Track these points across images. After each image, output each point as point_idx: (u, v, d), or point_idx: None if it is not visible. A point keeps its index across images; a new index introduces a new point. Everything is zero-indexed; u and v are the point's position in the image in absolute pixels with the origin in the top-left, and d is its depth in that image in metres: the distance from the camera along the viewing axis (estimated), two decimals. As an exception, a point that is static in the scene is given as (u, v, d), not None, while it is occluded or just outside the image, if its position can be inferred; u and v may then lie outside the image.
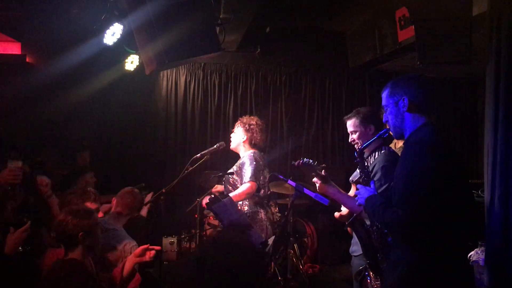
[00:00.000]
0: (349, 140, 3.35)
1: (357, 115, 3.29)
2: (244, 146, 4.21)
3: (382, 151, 3.15)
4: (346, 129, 3.37)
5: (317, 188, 3.19)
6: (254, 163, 4.09)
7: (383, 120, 2.46)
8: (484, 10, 3.14)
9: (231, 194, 4.00)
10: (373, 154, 3.23)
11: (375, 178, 2.96)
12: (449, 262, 2.12)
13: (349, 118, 3.34)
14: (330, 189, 3.15)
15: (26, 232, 2.93)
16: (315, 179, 3.20)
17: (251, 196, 4.08)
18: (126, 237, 3.54)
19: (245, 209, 4.05)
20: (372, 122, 3.26)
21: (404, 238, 2.22)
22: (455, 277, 2.14)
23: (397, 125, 2.36)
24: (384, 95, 2.42)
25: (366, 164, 2.78)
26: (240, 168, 4.11)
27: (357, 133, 3.26)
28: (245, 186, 4.04)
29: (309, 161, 3.24)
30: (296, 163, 3.30)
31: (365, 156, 3.28)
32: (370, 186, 2.52)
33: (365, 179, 2.65)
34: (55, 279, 2.56)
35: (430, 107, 2.32)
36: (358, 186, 2.54)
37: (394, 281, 2.24)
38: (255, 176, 4.04)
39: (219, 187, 4.60)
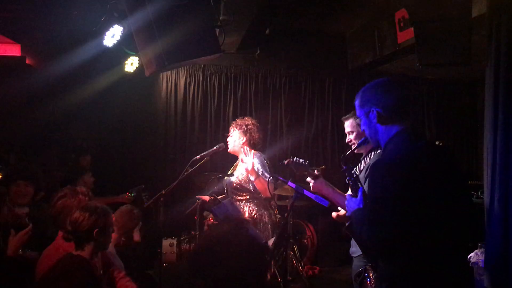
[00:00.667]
0: (346, 141, 3.37)
1: (354, 116, 3.29)
2: (244, 148, 4.19)
3: (378, 151, 3.16)
4: (345, 130, 3.39)
5: (311, 187, 3.20)
6: (266, 166, 4.09)
7: (361, 128, 2.36)
8: (483, 11, 3.15)
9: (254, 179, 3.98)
10: (369, 154, 3.24)
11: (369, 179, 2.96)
12: (431, 274, 2.06)
13: (347, 119, 3.36)
14: (323, 188, 3.15)
15: (27, 235, 2.94)
16: (308, 179, 3.21)
17: (265, 193, 4.06)
18: (115, 260, 3.44)
19: (252, 213, 4.04)
20: None
21: (379, 254, 2.20)
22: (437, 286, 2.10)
23: (371, 136, 2.28)
24: (355, 104, 2.32)
25: (353, 171, 2.75)
26: (252, 167, 4.06)
27: (354, 134, 3.29)
28: (261, 182, 4.01)
29: (299, 160, 3.25)
30: (286, 161, 3.30)
31: (362, 156, 3.30)
32: (357, 196, 2.45)
33: (354, 186, 2.61)
34: (60, 272, 2.54)
35: (402, 113, 2.17)
36: (347, 196, 2.50)
37: None
38: (267, 174, 4.05)
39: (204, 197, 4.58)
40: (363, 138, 2.57)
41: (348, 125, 3.34)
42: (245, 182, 4.09)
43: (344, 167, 2.63)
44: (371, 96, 2.23)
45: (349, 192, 3.34)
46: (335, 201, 3.18)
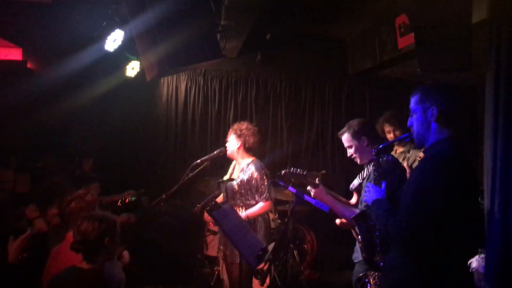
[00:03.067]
0: (348, 155, 3.38)
1: (348, 130, 3.35)
2: (239, 152, 4.19)
3: (385, 158, 3.17)
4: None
5: (312, 195, 3.22)
6: (265, 177, 4.08)
7: (408, 123, 2.44)
8: (484, 17, 3.15)
9: (247, 212, 4.01)
10: (368, 166, 3.26)
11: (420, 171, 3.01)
12: (444, 277, 2.11)
13: (342, 134, 3.39)
14: (324, 196, 3.17)
15: (26, 240, 2.92)
16: (309, 187, 3.23)
17: (268, 211, 4.09)
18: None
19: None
20: (363, 134, 3.29)
21: (402, 246, 2.23)
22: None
23: (421, 133, 2.35)
24: (413, 99, 2.39)
25: (380, 162, 2.79)
26: (249, 180, 4.08)
27: (353, 148, 3.32)
28: (261, 205, 4.03)
29: (297, 170, 3.27)
30: (283, 172, 3.33)
31: (365, 165, 3.31)
32: (381, 187, 2.52)
33: (378, 178, 2.66)
34: None
35: (457, 120, 2.31)
36: (368, 184, 2.55)
37: (389, 285, 2.25)
38: (269, 194, 4.04)
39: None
40: (405, 133, 2.61)
41: (344, 140, 3.37)
42: (244, 186, 4.09)
43: (374, 157, 2.77)
44: (435, 96, 2.31)
45: (354, 199, 3.38)
46: (335, 209, 3.20)
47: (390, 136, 4.88)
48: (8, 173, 4.40)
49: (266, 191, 4.04)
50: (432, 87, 2.35)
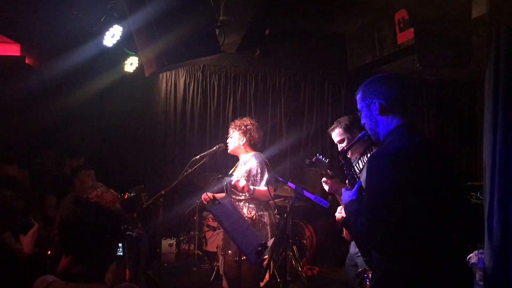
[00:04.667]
0: (339, 150, 3.39)
1: (339, 124, 3.40)
2: (244, 148, 4.19)
3: (372, 151, 3.18)
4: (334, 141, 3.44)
5: (328, 188, 3.22)
6: (266, 167, 4.08)
7: (361, 123, 2.41)
8: (484, 12, 3.15)
9: (252, 187, 3.99)
10: (363, 157, 3.26)
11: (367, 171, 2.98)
12: (418, 269, 2.06)
13: (332, 130, 3.44)
14: (340, 187, 3.16)
15: (36, 233, 2.99)
16: (324, 179, 3.24)
17: (268, 199, 4.08)
18: None
19: (252, 212, 4.03)
20: (354, 127, 3.34)
21: (369, 245, 2.22)
22: (426, 283, 2.10)
23: (372, 128, 2.31)
24: (357, 98, 2.36)
25: (351, 166, 2.77)
26: (250, 171, 4.08)
27: (345, 141, 3.35)
28: (264, 188, 4.01)
29: (323, 158, 3.27)
30: (313, 159, 3.33)
31: (353, 160, 3.31)
32: (352, 188, 2.49)
33: (351, 181, 2.64)
34: None
35: (403, 107, 2.23)
36: (342, 189, 2.52)
37: (372, 284, 2.24)
38: (271, 180, 4.05)
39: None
40: (362, 132, 2.59)
41: (335, 135, 3.41)
42: (251, 178, 4.09)
43: (342, 161, 2.68)
44: (373, 88, 2.26)
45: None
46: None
47: None
48: (11, 167, 4.37)
49: (268, 176, 4.04)
50: (370, 82, 2.30)
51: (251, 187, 3.98)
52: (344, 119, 3.42)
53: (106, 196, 3.13)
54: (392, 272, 2.09)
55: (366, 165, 2.32)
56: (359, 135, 2.71)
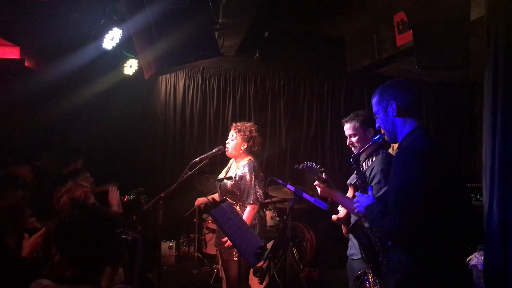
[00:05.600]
0: (347, 143, 3.33)
1: (356, 118, 3.28)
2: (242, 152, 4.18)
3: (379, 155, 3.16)
4: (345, 132, 3.36)
5: (319, 191, 3.19)
6: (255, 177, 4.04)
7: (376, 126, 2.48)
8: (482, 14, 3.15)
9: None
10: (370, 158, 3.23)
11: (374, 181, 2.97)
12: (447, 267, 2.12)
13: (348, 121, 3.31)
14: (332, 192, 3.15)
15: (41, 237, 2.95)
16: (317, 183, 3.21)
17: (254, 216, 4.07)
18: None
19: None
20: (371, 125, 3.23)
21: (402, 244, 2.23)
22: (454, 281, 2.14)
23: (389, 130, 2.38)
24: (373, 101, 2.44)
25: (362, 170, 2.77)
26: (241, 179, 4.07)
27: (357, 137, 3.25)
28: (248, 210, 4.00)
29: (312, 165, 3.24)
30: (300, 166, 3.30)
31: (361, 160, 3.29)
32: (368, 193, 2.52)
33: (363, 185, 2.64)
34: None
35: (418, 110, 2.34)
36: (357, 194, 2.54)
37: (394, 285, 2.25)
38: (256, 196, 4.01)
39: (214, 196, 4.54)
40: (379, 134, 2.61)
41: (349, 127, 3.30)
42: (241, 188, 4.08)
43: (354, 166, 2.73)
44: (391, 92, 2.34)
45: (349, 193, 3.36)
46: (343, 204, 3.18)
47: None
48: (24, 168, 4.34)
49: (252, 195, 4.00)
50: (387, 85, 2.39)
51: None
52: (362, 114, 3.30)
53: (75, 188, 3.13)
54: (419, 271, 2.12)
55: (394, 161, 2.36)
56: (375, 137, 2.71)
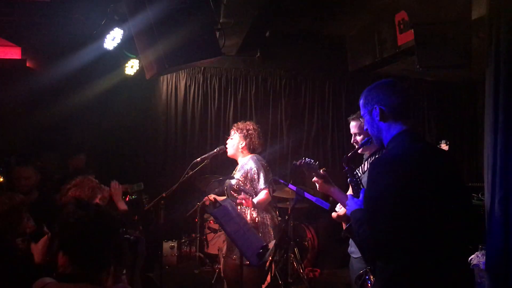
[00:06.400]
0: (352, 141, 3.30)
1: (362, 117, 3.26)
2: (242, 152, 4.17)
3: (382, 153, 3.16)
4: (346, 132, 3.36)
5: (318, 187, 3.18)
6: (262, 168, 4.04)
7: (364, 128, 2.38)
8: (483, 13, 3.15)
9: (254, 200, 3.95)
10: (370, 159, 3.23)
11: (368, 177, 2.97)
12: (423, 276, 2.02)
13: (354, 119, 3.28)
14: (330, 188, 3.14)
15: (47, 242, 2.94)
16: (315, 179, 3.19)
17: (269, 201, 4.04)
18: None
19: (254, 215, 4.01)
20: None
21: (372, 254, 2.20)
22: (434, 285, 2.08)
23: (374, 134, 2.28)
24: (360, 103, 2.33)
25: (355, 172, 2.74)
26: (247, 174, 4.06)
27: (361, 136, 3.22)
28: (263, 193, 3.97)
29: (311, 161, 3.23)
30: (298, 162, 3.27)
31: (364, 159, 3.28)
32: (359, 196, 2.47)
33: (355, 188, 2.61)
34: None
35: (405, 113, 2.20)
36: (349, 196, 2.50)
37: None
38: (268, 182, 4.01)
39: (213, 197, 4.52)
40: (366, 138, 2.57)
41: (355, 125, 3.27)
42: (244, 184, 4.07)
43: (345, 168, 2.65)
44: (375, 94, 2.24)
45: (350, 192, 3.34)
46: (340, 201, 3.17)
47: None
48: (28, 169, 4.34)
49: (263, 180, 3.98)
50: (371, 88, 2.28)
51: (254, 200, 3.94)
52: None
53: (84, 184, 3.12)
54: (394, 281, 2.07)
55: (368, 170, 2.29)
56: (362, 141, 2.68)
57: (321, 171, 3.20)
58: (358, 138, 3.25)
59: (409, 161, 2.08)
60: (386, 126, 2.20)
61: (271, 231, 4.04)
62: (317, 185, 3.20)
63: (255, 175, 4.01)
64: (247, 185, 4.04)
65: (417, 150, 2.14)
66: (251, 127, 4.18)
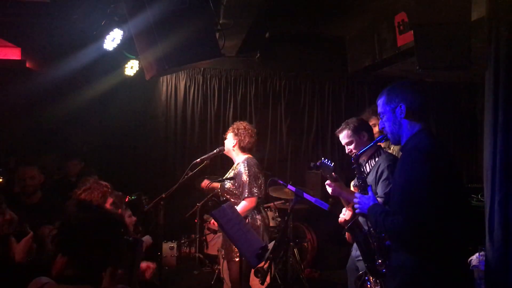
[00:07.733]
0: (347, 151, 3.41)
1: (347, 126, 3.40)
2: (234, 150, 4.19)
3: (382, 154, 3.24)
4: (341, 143, 3.44)
5: (331, 191, 3.22)
6: (249, 173, 4.01)
7: (379, 127, 2.50)
8: (483, 14, 3.15)
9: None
10: (372, 159, 3.26)
11: (383, 178, 3.06)
12: (450, 267, 2.13)
13: (340, 131, 3.43)
14: (343, 191, 3.18)
15: (30, 241, 2.93)
16: (328, 182, 3.24)
17: (252, 208, 4.04)
18: None
19: (246, 218, 4.01)
20: (363, 129, 3.39)
21: (405, 244, 2.23)
22: (456, 281, 2.14)
23: (394, 132, 2.40)
24: (380, 102, 2.45)
25: (362, 170, 2.79)
26: (237, 176, 4.07)
27: (353, 144, 3.36)
28: (242, 204, 3.98)
29: (328, 162, 3.27)
30: (318, 162, 3.34)
31: (363, 163, 3.31)
32: (367, 193, 2.52)
33: (363, 185, 2.65)
34: None
35: (425, 113, 2.37)
36: (357, 194, 2.55)
37: (396, 286, 2.24)
38: (251, 191, 3.99)
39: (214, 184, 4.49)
40: (381, 135, 2.64)
41: (343, 136, 3.41)
42: (238, 185, 4.08)
43: (354, 166, 2.76)
44: (400, 93, 2.37)
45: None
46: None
47: (375, 129, 4.75)
48: (31, 169, 4.32)
49: (247, 189, 3.98)
50: (395, 86, 2.42)
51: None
52: (352, 121, 3.41)
53: (95, 188, 3.12)
54: (423, 272, 2.13)
55: (400, 161, 2.42)
56: (377, 138, 2.75)
57: (333, 174, 3.24)
58: (351, 146, 3.38)
59: (439, 155, 2.23)
60: (408, 124, 2.35)
61: (261, 231, 4.04)
62: (329, 188, 3.24)
63: (243, 182, 4.01)
64: (239, 188, 4.05)
65: (440, 146, 2.32)
66: (243, 126, 4.20)
